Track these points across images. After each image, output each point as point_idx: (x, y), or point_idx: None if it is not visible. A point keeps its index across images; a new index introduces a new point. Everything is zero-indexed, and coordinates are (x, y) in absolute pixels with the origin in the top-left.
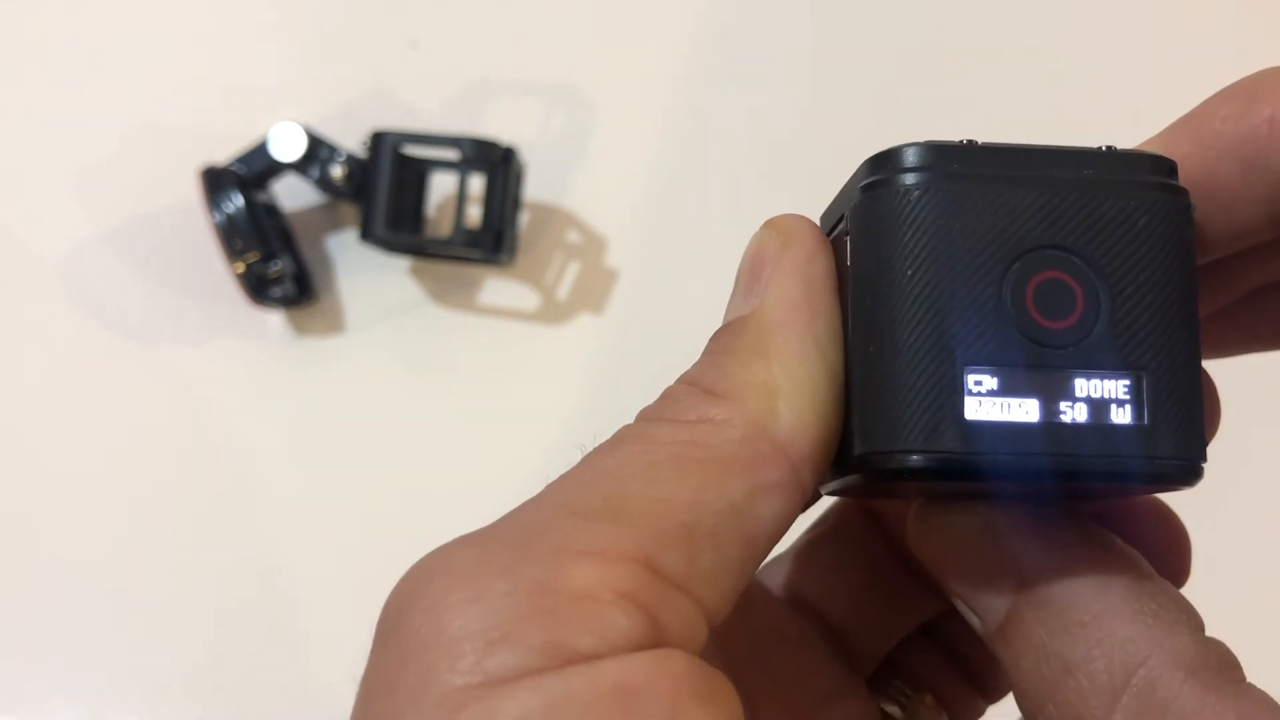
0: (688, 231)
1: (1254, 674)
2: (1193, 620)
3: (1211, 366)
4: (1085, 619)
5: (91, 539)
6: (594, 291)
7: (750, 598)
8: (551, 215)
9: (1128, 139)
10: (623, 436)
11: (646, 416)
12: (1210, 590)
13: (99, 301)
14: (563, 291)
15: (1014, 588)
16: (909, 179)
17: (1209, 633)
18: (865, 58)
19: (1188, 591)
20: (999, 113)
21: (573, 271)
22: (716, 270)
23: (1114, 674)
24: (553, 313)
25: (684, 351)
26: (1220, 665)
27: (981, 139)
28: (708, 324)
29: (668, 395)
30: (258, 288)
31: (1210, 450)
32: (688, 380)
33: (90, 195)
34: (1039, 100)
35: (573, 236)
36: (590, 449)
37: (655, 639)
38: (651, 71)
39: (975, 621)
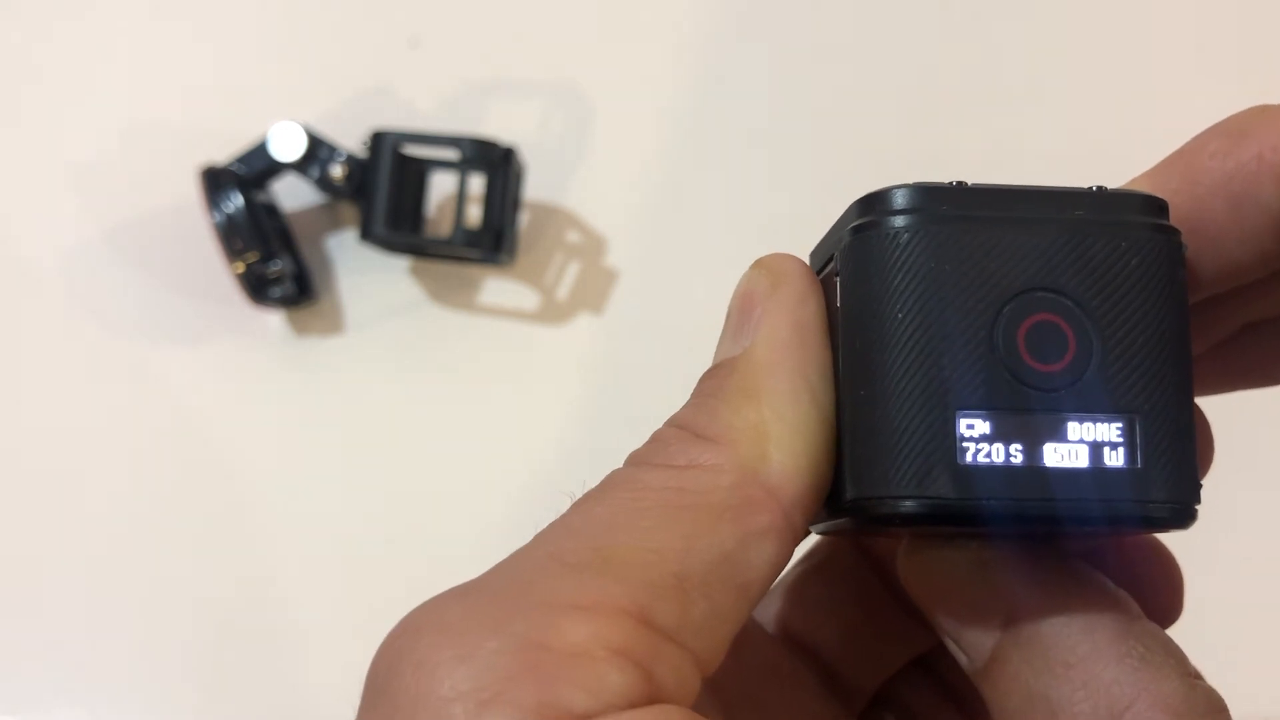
0: (688, 231)
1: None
2: (1181, 664)
3: (1204, 403)
4: (1071, 660)
5: (91, 539)
6: (594, 291)
7: (741, 635)
8: (551, 215)
9: (1122, 172)
10: (612, 483)
11: (636, 461)
12: (1201, 629)
13: (98, 301)
14: (563, 291)
15: (1001, 626)
16: (899, 221)
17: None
18: (866, 57)
19: (1178, 630)
20: (1002, 113)
21: (573, 271)
22: (717, 270)
23: (1099, 718)
24: (553, 313)
25: (684, 352)
26: (1207, 710)
27: (973, 176)
28: (708, 325)
29: (657, 439)
30: (257, 288)
31: (1204, 488)
32: (677, 423)
33: (89, 195)
34: (1043, 114)
35: (573, 236)
36: (579, 495)
37: (649, 694)
38: (651, 71)
39: (962, 659)
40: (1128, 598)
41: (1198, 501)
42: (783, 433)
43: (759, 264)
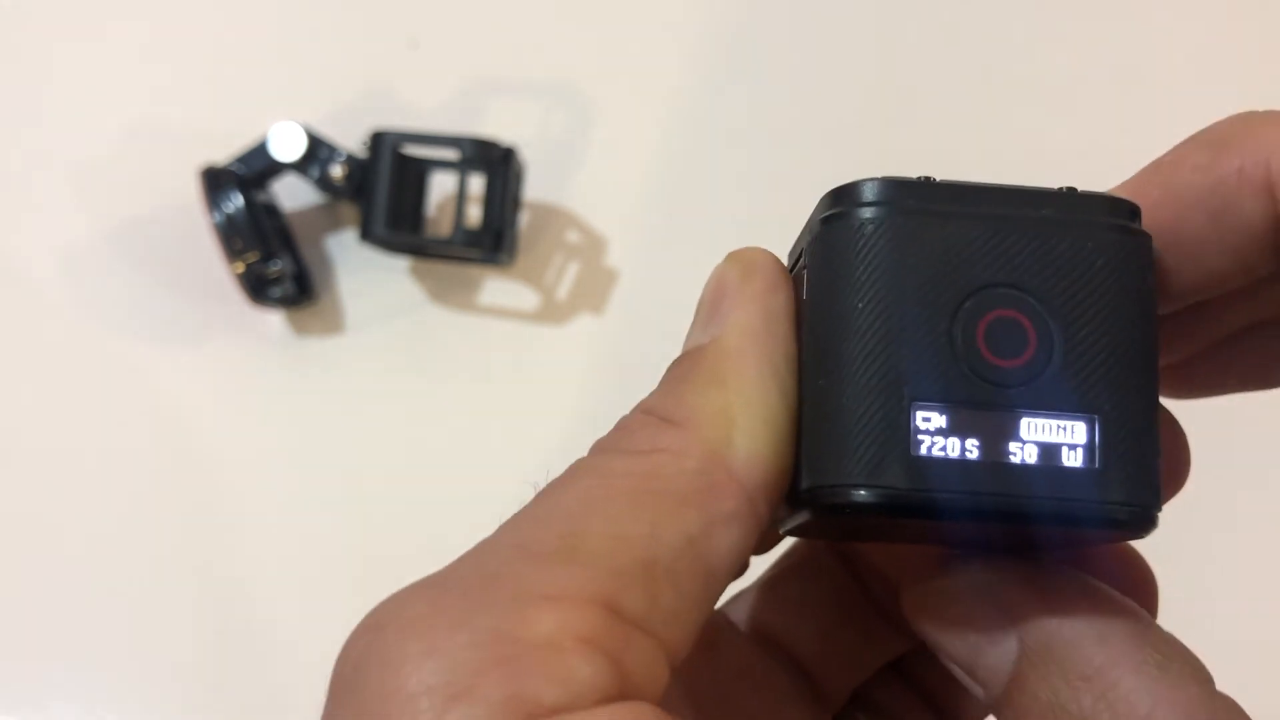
0: (688, 231)
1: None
2: (1199, 672)
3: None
4: (1088, 672)
5: (90, 539)
6: (594, 291)
7: (716, 634)
8: (551, 215)
9: (1107, 178)
10: (577, 471)
11: (601, 448)
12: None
13: (98, 301)
14: (563, 291)
15: (1014, 647)
16: (865, 213)
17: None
18: (866, 56)
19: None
20: (1001, 108)
21: (573, 271)
22: None
23: None
24: (553, 313)
25: None
26: (1226, 717)
27: (941, 173)
28: None
29: (623, 426)
30: (257, 288)
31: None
32: (643, 409)
33: (89, 195)
34: (1041, 114)
35: (573, 236)
36: (543, 485)
37: (619, 685)
38: (651, 71)
39: (978, 691)
40: (1136, 605)
41: (1158, 507)
42: (748, 419)
43: (731, 256)
